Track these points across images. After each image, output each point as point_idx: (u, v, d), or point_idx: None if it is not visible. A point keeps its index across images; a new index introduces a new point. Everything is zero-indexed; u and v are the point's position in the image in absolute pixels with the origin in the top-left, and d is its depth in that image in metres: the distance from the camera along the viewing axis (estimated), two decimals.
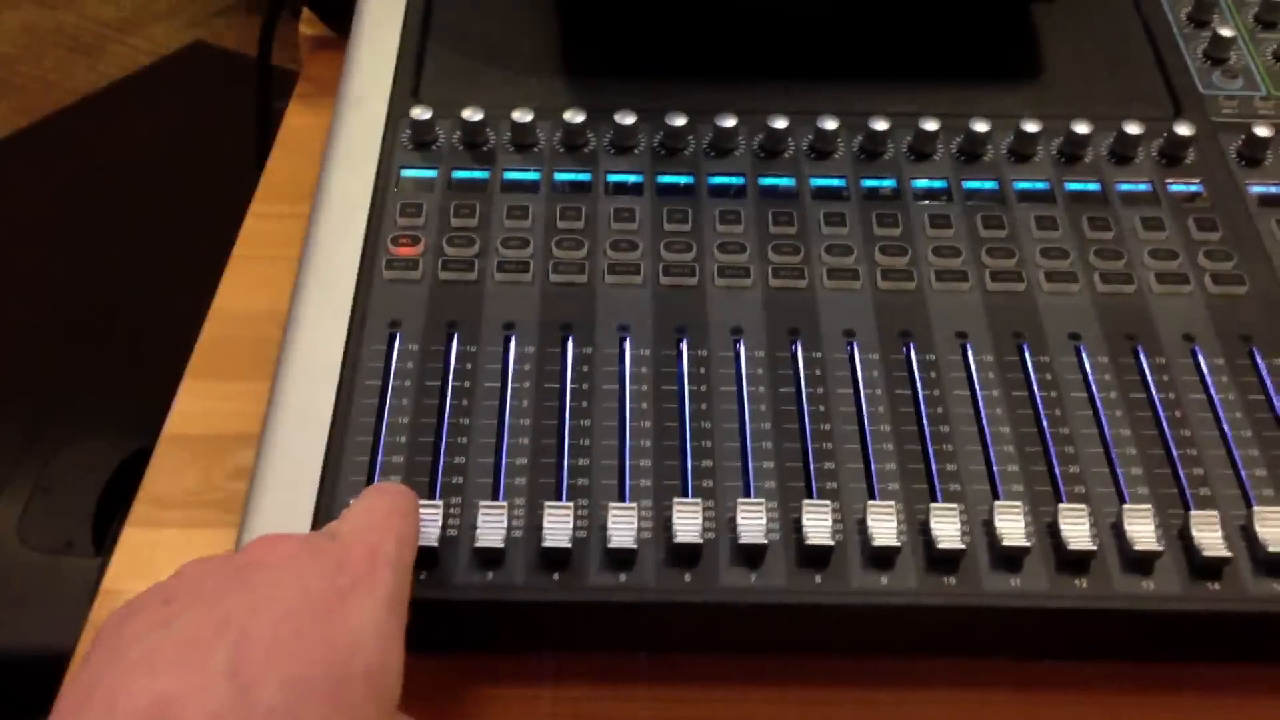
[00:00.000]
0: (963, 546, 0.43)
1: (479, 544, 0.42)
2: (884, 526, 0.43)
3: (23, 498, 1.01)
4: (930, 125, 0.56)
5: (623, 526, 0.43)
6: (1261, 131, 0.57)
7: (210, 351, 0.61)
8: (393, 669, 0.34)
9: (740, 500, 0.44)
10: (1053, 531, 0.44)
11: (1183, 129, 0.57)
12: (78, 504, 0.99)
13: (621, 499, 0.44)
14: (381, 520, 0.37)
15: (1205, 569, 0.43)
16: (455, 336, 0.49)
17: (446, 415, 0.46)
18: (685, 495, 0.44)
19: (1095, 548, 0.43)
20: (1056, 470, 0.46)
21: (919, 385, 0.48)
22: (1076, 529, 0.43)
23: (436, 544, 0.42)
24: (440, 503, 0.43)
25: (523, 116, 0.56)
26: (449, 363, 0.48)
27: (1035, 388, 0.48)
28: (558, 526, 0.43)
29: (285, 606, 0.32)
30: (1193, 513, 0.44)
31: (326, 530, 0.38)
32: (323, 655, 0.32)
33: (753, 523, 0.43)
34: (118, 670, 0.31)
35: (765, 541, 0.43)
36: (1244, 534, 0.44)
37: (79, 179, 2.02)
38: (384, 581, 0.35)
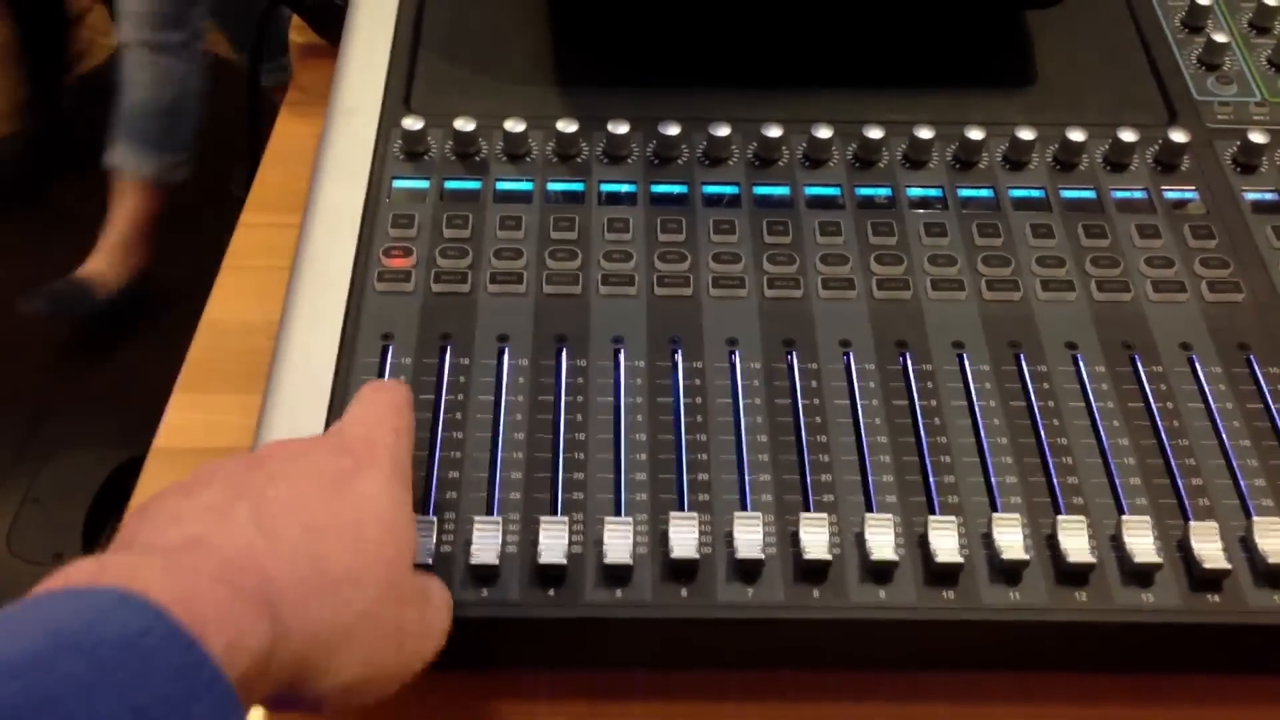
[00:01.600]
0: (961, 560, 0.42)
1: (474, 560, 0.42)
2: (882, 540, 0.43)
3: (12, 508, 1.00)
4: (925, 133, 0.56)
5: (619, 541, 0.42)
6: (1257, 138, 0.56)
7: (201, 364, 0.61)
8: (404, 523, 0.37)
9: (737, 514, 0.43)
10: (1052, 544, 0.43)
11: (1177, 136, 0.56)
12: (67, 515, 0.98)
13: (617, 513, 0.44)
14: (378, 416, 0.40)
15: (1205, 581, 0.43)
16: (448, 349, 0.49)
17: (440, 429, 0.46)
18: (681, 509, 0.44)
19: (1095, 560, 0.43)
20: (1055, 481, 0.45)
21: (916, 396, 0.48)
22: (1075, 541, 0.43)
23: (431, 561, 0.42)
24: (434, 519, 0.43)
25: (515, 126, 0.55)
26: (442, 375, 0.48)
27: (1032, 398, 0.48)
28: (553, 542, 0.42)
29: (299, 477, 0.36)
30: (1192, 524, 0.44)
31: (330, 430, 0.41)
32: (337, 510, 0.35)
33: (749, 537, 0.43)
34: (149, 528, 0.34)
35: (762, 556, 0.42)
36: (1244, 545, 0.44)
37: (67, 183, 2.01)
38: (385, 462, 0.38)
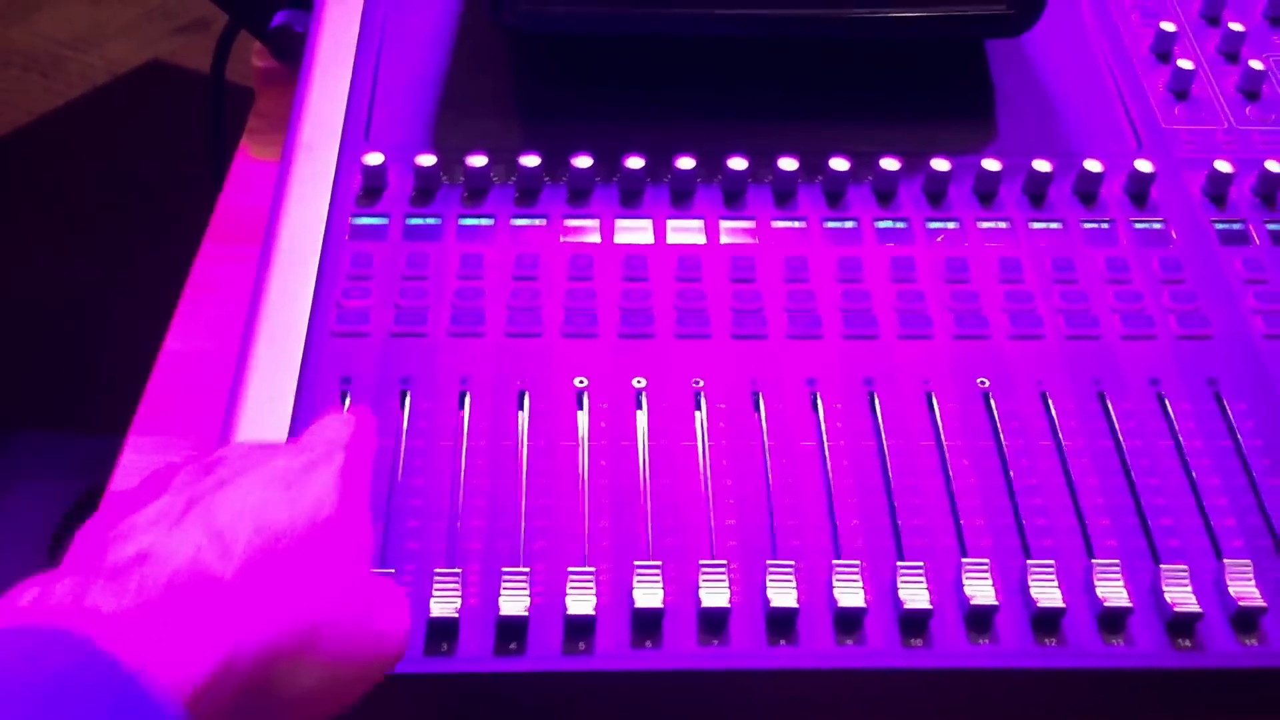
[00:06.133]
0: (930, 607, 0.42)
1: (433, 614, 0.41)
2: (849, 588, 0.42)
3: None
4: (891, 165, 0.55)
5: (582, 592, 0.41)
6: (1224, 167, 0.56)
7: (159, 401, 0.59)
8: (360, 523, 0.37)
9: (702, 562, 0.42)
10: (1022, 589, 0.43)
11: (1144, 166, 0.56)
12: (28, 545, 0.96)
13: (580, 562, 0.43)
14: (336, 431, 0.39)
15: (1177, 625, 0.42)
16: (408, 394, 0.48)
17: (399, 477, 0.45)
18: (647, 558, 0.43)
19: (1063, 605, 0.42)
20: (1024, 524, 0.45)
21: (883, 437, 0.47)
22: (1045, 587, 0.42)
23: None
24: (392, 570, 0.42)
25: (477, 161, 0.54)
26: (401, 422, 0.47)
27: (1001, 438, 0.47)
28: (514, 595, 0.41)
29: (251, 479, 0.35)
30: (1162, 566, 0.43)
31: (288, 441, 0.41)
32: (290, 510, 0.35)
33: (714, 586, 0.42)
34: (101, 545, 0.33)
35: (728, 605, 0.42)
36: (1215, 587, 0.43)
37: (33, 201, 1.99)
38: (341, 460, 0.37)
